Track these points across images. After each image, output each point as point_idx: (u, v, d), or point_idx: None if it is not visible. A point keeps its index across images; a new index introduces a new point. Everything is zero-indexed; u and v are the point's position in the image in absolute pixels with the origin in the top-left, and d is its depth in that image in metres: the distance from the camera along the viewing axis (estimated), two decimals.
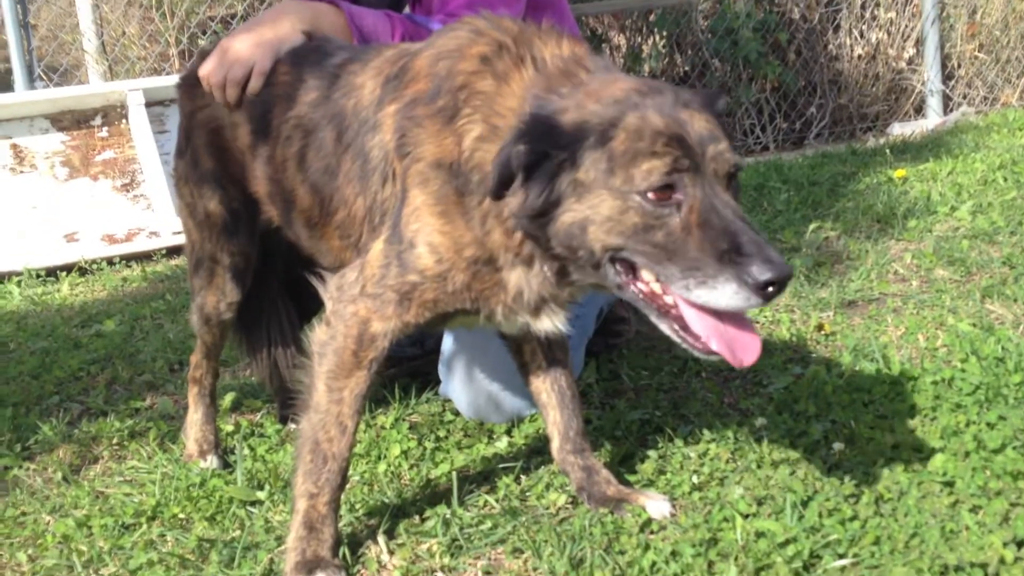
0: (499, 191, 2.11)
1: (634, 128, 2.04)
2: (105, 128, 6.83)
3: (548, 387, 2.74)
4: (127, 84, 6.82)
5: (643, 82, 2.18)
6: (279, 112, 2.72)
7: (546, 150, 2.06)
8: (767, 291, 1.95)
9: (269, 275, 3.20)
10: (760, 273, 1.93)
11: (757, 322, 4.04)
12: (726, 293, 1.97)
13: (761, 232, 2.04)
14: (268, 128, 2.74)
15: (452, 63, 2.31)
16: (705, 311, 2.07)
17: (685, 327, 2.10)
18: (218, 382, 3.25)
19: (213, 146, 2.92)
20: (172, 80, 6.92)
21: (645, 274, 2.10)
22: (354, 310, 2.37)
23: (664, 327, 2.14)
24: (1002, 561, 2.13)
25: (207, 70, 2.84)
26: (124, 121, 6.80)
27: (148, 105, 6.68)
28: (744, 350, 2.11)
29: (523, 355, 2.78)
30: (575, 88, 2.17)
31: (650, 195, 2.01)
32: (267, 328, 3.22)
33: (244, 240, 2.96)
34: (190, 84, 3.01)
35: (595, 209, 2.05)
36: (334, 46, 2.82)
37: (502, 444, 3.06)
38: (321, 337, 2.42)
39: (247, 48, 2.82)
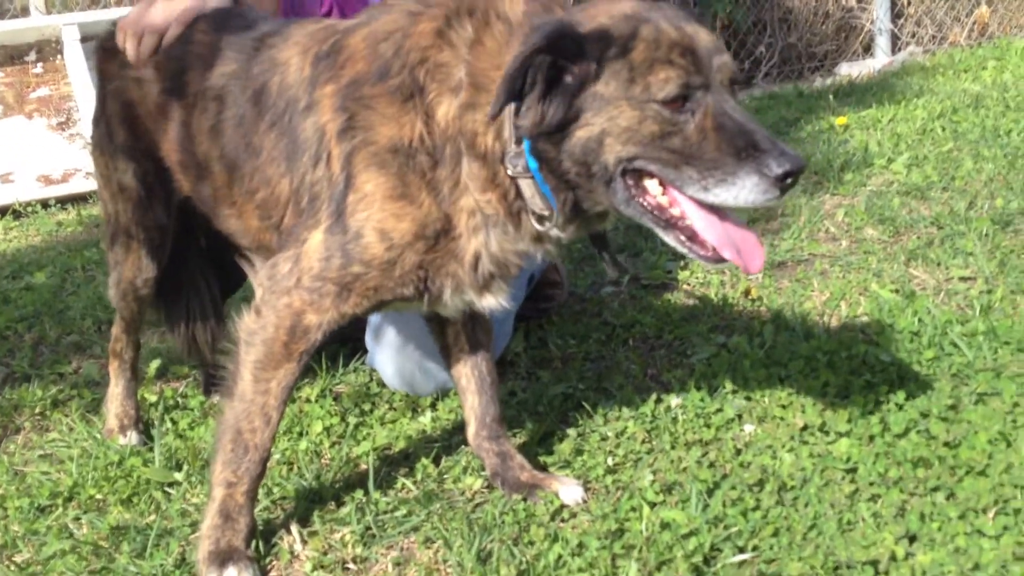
0: (501, 108, 2.09)
1: (652, 38, 2.07)
2: (40, 64, 6.66)
3: (469, 371, 2.76)
4: (63, 18, 6.64)
5: (642, 1, 2.20)
6: (195, 77, 2.66)
7: (568, 62, 2.07)
8: (785, 182, 2.02)
9: (189, 246, 3.16)
10: (779, 166, 2.02)
11: (687, 284, 4.08)
12: (747, 186, 2.04)
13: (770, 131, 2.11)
14: (183, 92, 2.68)
15: (399, 42, 2.27)
16: (713, 219, 2.13)
17: (693, 237, 2.15)
18: (140, 353, 3.23)
19: (127, 116, 2.85)
20: (110, 14, 6.76)
21: (652, 187, 2.14)
22: (288, 301, 2.34)
23: (671, 239, 2.18)
24: (893, 558, 2.20)
25: (127, 19, 2.77)
26: (60, 57, 6.63)
27: (84, 40, 6.49)
28: (752, 258, 2.17)
29: (446, 337, 2.79)
30: (571, 13, 2.18)
31: (667, 103, 2.06)
32: (186, 301, 3.19)
33: (160, 214, 2.92)
34: (106, 49, 2.93)
35: (614, 121, 2.08)
36: (254, 16, 2.76)
37: (426, 419, 3.09)
38: (250, 326, 2.39)
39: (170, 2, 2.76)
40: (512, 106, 2.12)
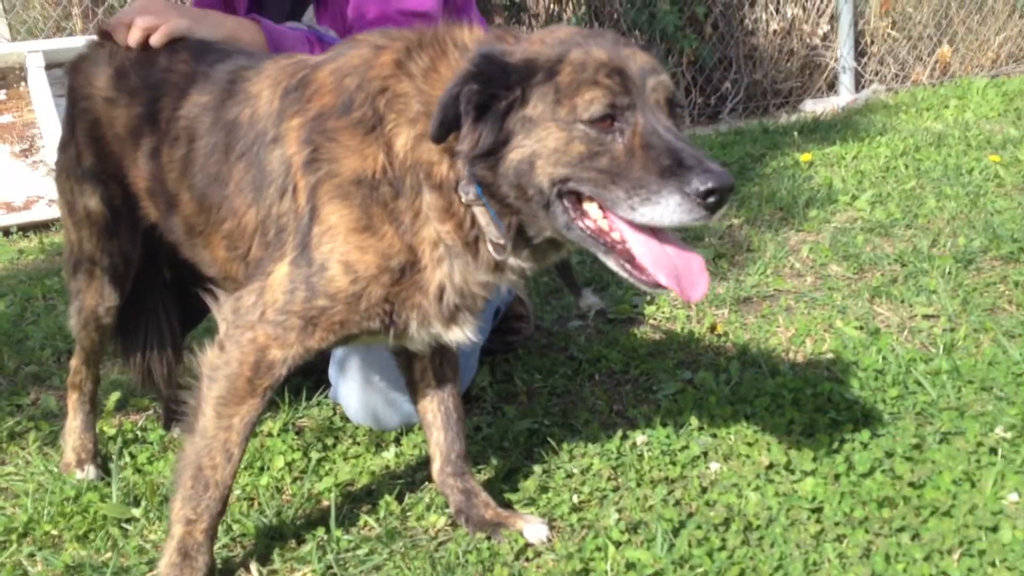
0: (441, 132, 2.10)
1: (579, 61, 2.08)
2: (3, 91, 6.58)
3: (435, 407, 2.73)
4: (27, 45, 6.57)
5: (586, 29, 2.22)
6: (169, 104, 2.63)
7: (496, 90, 2.08)
8: (708, 200, 1.97)
9: (151, 276, 3.11)
10: (702, 183, 1.96)
11: (653, 319, 4.08)
12: (670, 206, 1.99)
13: (703, 150, 2.08)
14: (156, 119, 2.66)
15: (362, 75, 2.28)
16: (652, 243, 2.10)
17: (632, 261, 2.12)
18: (99, 385, 3.17)
19: (96, 139, 2.81)
20: (75, 42, 6.71)
21: (592, 210, 2.11)
22: (252, 336, 2.31)
23: (612, 263, 2.15)
24: None
25: (122, 13, 2.80)
26: (23, 84, 6.56)
27: (49, 67, 6.43)
28: (692, 285, 2.12)
29: (412, 372, 2.76)
30: (517, 42, 2.20)
31: (593, 123, 2.05)
32: (144, 331, 3.13)
33: (125, 241, 2.87)
34: (77, 70, 2.90)
35: (542, 142, 2.07)
36: (232, 49, 2.76)
37: (390, 454, 3.06)
38: (213, 361, 2.35)
39: (170, 8, 2.80)
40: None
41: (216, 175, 2.50)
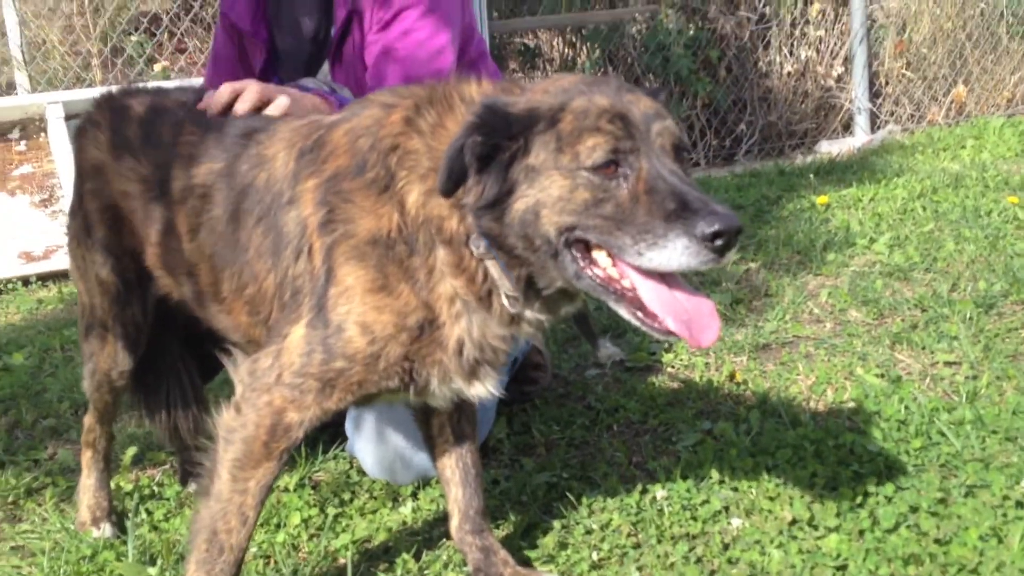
0: (449, 185, 2.09)
1: (580, 109, 2.08)
2: (23, 141, 6.66)
3: (453, 463, 2.71)
4: (46, 96, 6.65)
5: (583, 76, 2.21)
6: (181, 174, 2.63)
7: (499, 141, 2.07)
8: (715, 243, 1.95)
9: (168, 334, 3.11)
10: (708, 225, 1.94)
11: (672, 367, 4.06)
12: (677, 249, 1.98)
13: (710, 194, 2.06)
14: (168, 190, 2.66)
15: (374, 135, 2.28)
16: (662, 289, 2.08)
17: (643, 308, 2.09)
18: (114, 442, 3.16)
19: (107, 213, 2.82)
20: (94, 93, 6.78)
21: (601, 259, 2.09)
22: (268, 399, 2.29)
23: (623, 311, 2.12)
24: None
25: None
26: (43, 134, 6.63)
27: (68, 118, 6.50)
28: (702, 330, 2.09)
29: (430, 428, 2.74)
30: (523, 92, 2.20)
31: (596, 169, 2.04)
32: (166, 390, 3.13)
33: (138, 310, 2.87)
34: (84, 135, 2.89)
35: (546, 191, 2.06)
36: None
37: (407, 509, 3.03)
38: (229, 423, 2.33)
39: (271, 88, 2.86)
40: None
41: (235, 241, 2.50)
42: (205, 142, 2.64)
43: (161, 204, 2.67)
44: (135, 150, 2.73)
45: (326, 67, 3.44)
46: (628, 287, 2.10)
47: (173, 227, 2.63)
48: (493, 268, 2.19)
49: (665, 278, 2.09)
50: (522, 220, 2.09)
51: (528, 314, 2.25)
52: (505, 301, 2.23)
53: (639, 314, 2.10)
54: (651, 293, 2.08)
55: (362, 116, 2.37)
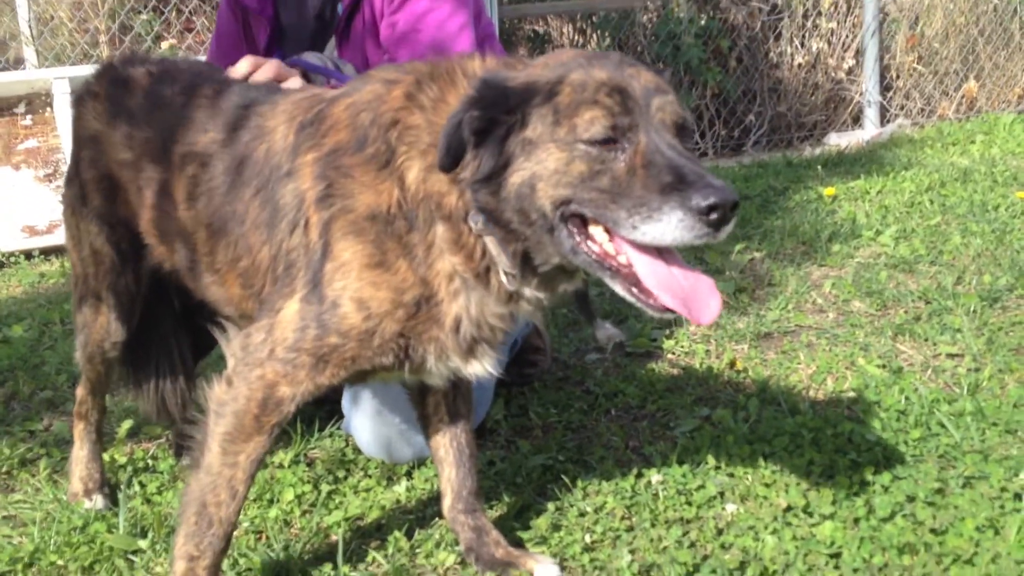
0: (448, 160, 2.07)
1: (579, 82, 2.05)
2: (29, 116, 6.64)
3: (447, 443, 2.69)
4: (53, 72, 6.64)
5: (584, 51, 2.18)
6: (179, 140, 2.61)
7: (496, 115, 2.05)
8: (711, 217, 1.91)
9: (161, 305, 3.10)
10: (704, 199, 1.90)
11: (672, 353, 4.03)
12: (672, 223, 1.94)
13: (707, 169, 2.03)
14: (166, 157, 2.63)
15: (375, 110, 2.26)
16: (658, 265, 2.04)
17: (638, 284, 2.06)
18: (106, 415, 3.15)
19: (103, 181, 2.81)
20: None
21: (597, 234, 2.06)
22: (260, 373, 2.28)
23: (619, 288, 2.09)
24: None
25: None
26: (49, 109, 6.61)
27: (74, 94, 6.48)
28: (701, 308, 2.05)
29: (425, 407, 2.72)
30: (524, 68, 2.17)
31: (594, 143, 2.01)
32: (155, 361, 3.11)
33: (131, 280, 2.86)
34: (81, 103, 2.88)
35: (542, 164, 2.04)
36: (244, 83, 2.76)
37: (401, 488, 3.02)
38: (220, 396, 2.31)
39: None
40: None
41: (232, 212, 2.48)
42: (208, 110, 2.62)
43: (159, 169, 2.65)
44: (135, 118, 2.71)
45: (331, 44, 3.42)
46: (624, 263, 2.07)
47: (170, 193, 2.61)
48: (492, 244, 2.17)
49: (662, 254, 2.06)
50: (518, 193, 2.07)
51: (527, 292, 2.23)
52: (503, 278, 2.20)
53: (634, 290, 2.07)
54: (647, 268, 2.05)
55: (363, 91, 2.34)
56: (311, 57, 3.24)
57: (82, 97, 2.88)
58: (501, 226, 2.12)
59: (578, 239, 2.07)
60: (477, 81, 2.10)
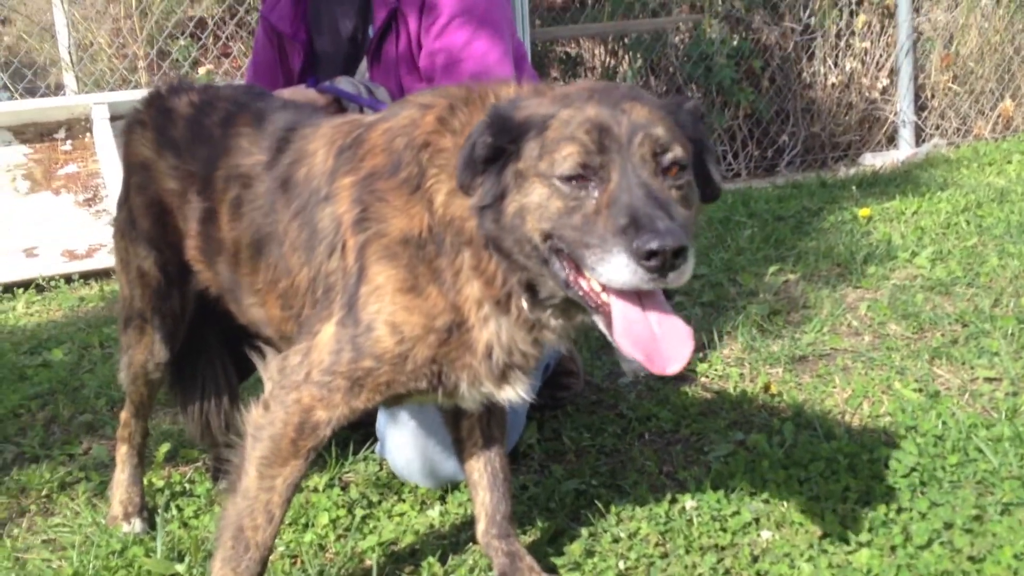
0: (465, 177, 2.11)
1: (566, 118, 2.07)
2: (69, 141, 6.75)
3: (481, 467, 2.71)
4: (92, 97, 6.75)
5: (601, 83, 2.19)
6: (223, 164, 2.66)
7: (502, 144, 2.09)
8: (650, 262, 1.88)
9: (207, 329, 3.14)
10: (644, 243, 1.89)
11: (705, 377, 4.02)
12: (619, 266, 1.92)
13: (675, 208, 1.99)
14: (210, 180, 2.68)
15: (410, 135, 2.29)
16: (630, 308, 2.02)
17: (610, 325, 2.04)
18: (148, 438, 3.19)
19: (148, 202, 2.86)
20: (139, 94, 6.88)
21: (586, 270, 2.05)
22: (297, 397, 2.31)
23: (601, 326, 2.07)
24: None
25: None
26: (88, 134, 6.72)
27: (114, 119, 6.59)
28: (664, 359, 2.01)
29: (460, 431, 2.74)
30: (540, 95, 2.19)
31: (566, 179, 2.02)
32: (201, 384, 3.16)
33: (177, 303, 2.91)
34: (130, 131, 2.95)
35: (528, 196, 2.06)
36: (277, 103, 2.80)
37: (435, 512, 3.03)
38: (258, 420, 2.34)
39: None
40: None
41: (272, 233, 2.52)
42: (251, 136, 2.66)
43: (203, 198, 2.70)
44: (179, 148, 2.77)
45: (363, 67, 3.46)
46: (604, 302, 2.05)
47: (215, 216, 2.66)
48: None
49: (642, 297, 2.03)
50: (512, 224, 2.09)
51: (549, 320, 2.23)
52: (524, 305, 2.21)
53: (608, 331, 2.06)
54: (619, 311, 2.03)
55: (400, 116, 2.37)
56: (344, 83, 3.28)
57: (131, 124, 2.95)
58: (504, 255, 2.14)
59: (568, 274, 2.06)
60: (491, 109, 2.14)
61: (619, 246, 1.92)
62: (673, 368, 2.01)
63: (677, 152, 2.05)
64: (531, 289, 2.18)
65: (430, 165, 2.24)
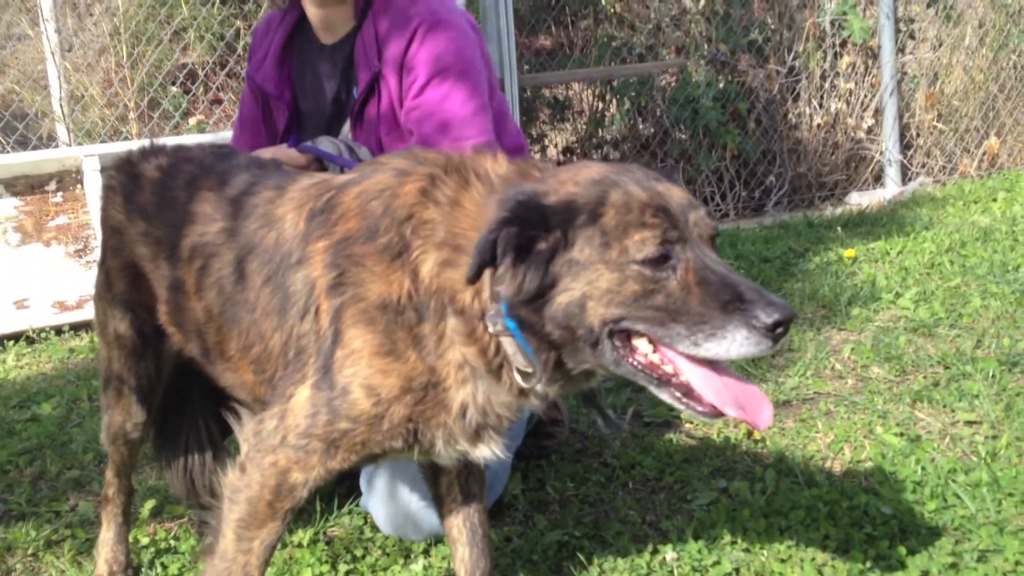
0: (477, 274, 2.12)
1: (622, 203, 2.10)
2: (60, 193, 6.79)
3: (460, 522, 2.72)
4: (83, 150, 6.79)
5: (610, 164, 2.24)
6: (187, 231, 2.67)
7: (536, 234, 2.10)
8: (776, 332, 2.00)
9: (190, 385, 3.17)
10: (768, 316, 1.99)
11: (690, 423, 4.05)
12: (737, 339, 2.01)
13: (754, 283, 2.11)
14: (176, 248, 2.70)
15: (387, 201, 2.31)
16: (711, 376, 2.11)
17: (689, 393, 2.12)
18: (133, 497, 3.21)
19: (126, 269, 2.89)
20: (130, 145, 6.94)
21: (641, 346, 2.12)
22: (273, 460, 2.33)
23: (666, 396, 2.15)
24: None
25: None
26: (79, 186, 6.77)
27: (104, 170, 6.63)
28: (758, 413, 2.13)
29: (439, 487, 2.76)
30: (544, 178, 2.21)
31: (646, 263, 2.07)
32: (185, 440, 3.18)
33: (152, 364, 2.94)
34: (105, 196, 2.97)
35: (593, 284, 2.09)
36: (239, 163, 2.82)
37: (418, 567, 3.05)
38: (235, 483, 2.37)
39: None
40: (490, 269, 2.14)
41: (243, 300, 2.54)
42: (214, 201, 2.69)
43: (170, 264, 2.73)
44: (148, 214, 2.80)
45: (346, 127, 3.51)
46: (671, 372, 2.13)
47: (182, 286, 2.69)
48: (508, 344, 2.20)
49: (712, 364, 2.12)
50: (566, 312, 2.11)
51: (538, 388, 2.26)
52: (517, 376, 2.24)
53: (685, 399, 2.13)
54: (702, 381, 2.11)
55: (373, 179, 2.40)
56: (325, 143, 3.33)
57: (105, 189, 2.98)
58: (538, 337, 2.16)
59: (623, 352, 2.13)
60: (511, 201, 2.12)
61: (734, 321, 2.02)
62: (768, 420, 2.15)
63: (716, 227, 2.19)
64: (558, 363, 2.21)
65: (415, 237, 2.26)
